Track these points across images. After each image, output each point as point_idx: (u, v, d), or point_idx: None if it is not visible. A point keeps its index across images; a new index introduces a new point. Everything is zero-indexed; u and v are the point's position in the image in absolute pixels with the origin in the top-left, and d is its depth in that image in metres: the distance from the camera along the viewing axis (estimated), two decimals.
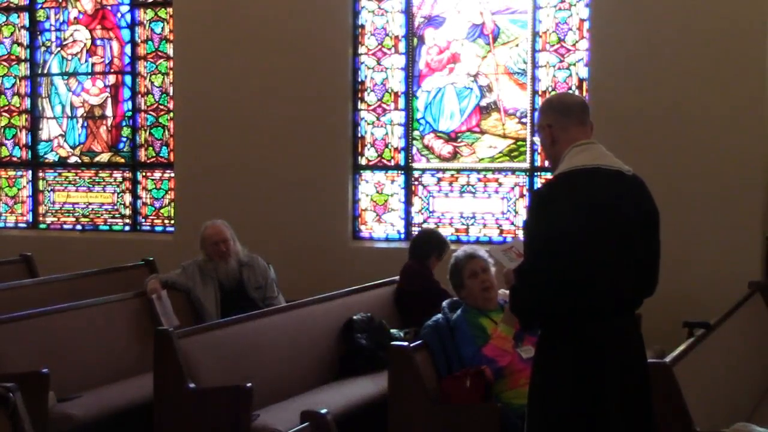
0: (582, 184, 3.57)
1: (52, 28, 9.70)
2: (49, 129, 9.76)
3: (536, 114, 4.40)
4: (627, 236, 3.58)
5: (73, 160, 9.68)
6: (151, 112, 9.35)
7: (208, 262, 6.76)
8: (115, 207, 9.53)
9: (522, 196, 8.13)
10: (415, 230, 8.38)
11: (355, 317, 6.23)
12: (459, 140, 8.32)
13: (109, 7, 9.49)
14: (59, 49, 9.66)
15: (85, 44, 9.57)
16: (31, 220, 9.82)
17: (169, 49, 9.18)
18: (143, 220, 9.43)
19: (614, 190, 3.60)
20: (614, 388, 3.54)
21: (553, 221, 3.52)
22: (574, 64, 7.92)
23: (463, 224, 8.30)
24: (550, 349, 3.62)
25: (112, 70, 9.50)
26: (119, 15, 9.46)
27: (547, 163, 7.83)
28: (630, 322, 3.68)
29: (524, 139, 8.11)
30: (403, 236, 8.44)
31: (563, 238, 3.48)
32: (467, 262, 5.22)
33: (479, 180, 8.25)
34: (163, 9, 9.25)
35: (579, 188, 3.57)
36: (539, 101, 7.93)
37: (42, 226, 9.77)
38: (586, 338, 3.53)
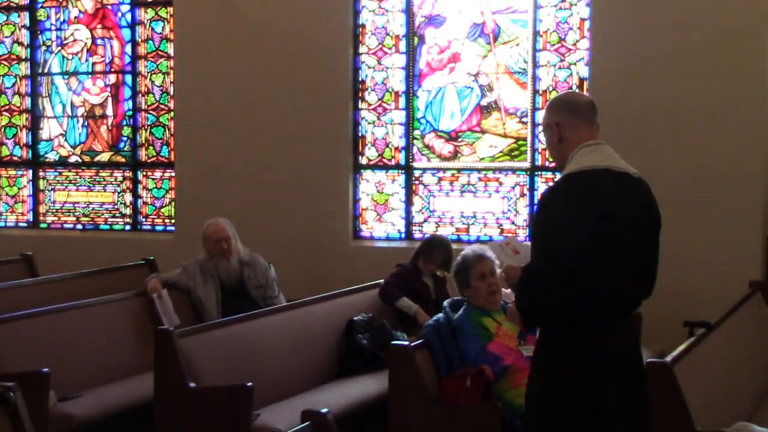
0: (592, 184, 3.56)
1: (53, 28, 9.70)
2: (49, 128, 9.76)
3: (543, 111, 4.37)
4: (634, 238, 3.58)
5: (73, 159, 9.68)
6: (151, 112, 9.35)
7: (210, 260, 6.76)
8: (116, 206, 9.53)
9: (523, 195, 8.13)
10: (416, 230, 8.40)
11: (355, 318, 6.23)
12: (459, 140, 8.32)
13: (109, 7, 9.49)
14: (60, 48, 9.67)
15: (85, 43, 9.57)
16: (31, 219, 9.82)
17: (170, 49, 9.18)
18: (144, 219, 9.43)
19: (622, 192, 3.60)
20: (614, 389, 3.54)
21: (562, 220, 3.51)
22: (575, 64, 7.92)
23: (463, 224, 8.30)
24: (550, 349, 3.62)
25: (112, 70, 9.50)
26: (120, 14, 9.46)
27: (548, 163, 7.85)
28: (629, 323, 3.69)
29: (525, 139, 8.11)
30: (403, 236, 8.44)
31: (571, 238, 3.47)
32: (476, 263, 5.20)
33: (480, 179, 8.25)
34: (163, 8, 9.25)
35: (588, 189, 3.56)
36: (540, 101, 7.94)
37: (42, 225, 9.77)
38: (587, 338, 3.53)
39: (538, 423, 3.64)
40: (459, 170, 8.30)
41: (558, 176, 3.76)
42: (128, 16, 9.41)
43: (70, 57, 9.64)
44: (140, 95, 9.36)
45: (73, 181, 9.68)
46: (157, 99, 9.31)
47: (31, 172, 9.83)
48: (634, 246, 3.58)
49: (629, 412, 3.58)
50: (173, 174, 9.16)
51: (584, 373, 3.52)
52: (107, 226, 9.54)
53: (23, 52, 9.78)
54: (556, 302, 3.52)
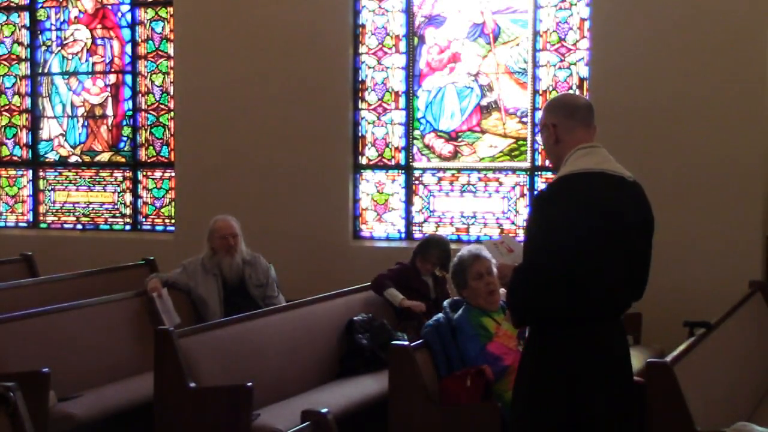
0: (586, 187, 3.57)
1: (53, 28, 9.70)
2: (49, 128, 9.76)
3: (540, 111, 4.38)
4: (627, 241, 3.58)
5: (73, 159, 9.68)
6: (151, 112, 9.35)
7: (212, 257, 6.74)
8: (116, 206, 9.53)
9: (522, 195, 8.13)
10: (416, 230, 8.40)
11: (355, 318, 6.23)
12: (459, 140, 8.32)
13: (109, 7, 9.49)
14: (60, 48, 9.67)
15: (85, 43, 9.57)
16: (31, 219, 9.82)
17: (170, 49, 9.18)
18: (144, 219, 9.43)
19: (617, 195, 3.60)
20: (604, 391, 3.54)
21: (555, 222, 3.51)
22: (575, 64, 7.92)
23: (463, 224, 8.31)
24: (540, 350, 3.62)
25: (112, 70, 9.50)
26: (120, 14, 9.46)
27: (548, 163, 7.84)
28: (619, 325, 3.69)
29: (525, 139, 8.11)
30: (403, 236, 8.44)
31: (565, 239, 3.48)
32: (473, 263, 5.19)
33: (480, 179, 8.25)
34: (163, 8, 9.25)
35: (582, 191, 3.56)
36: (540, 101, 7.94)
37: (42, 225, 9.77)
38: (578, 340, 3.53)
39: (527, 424, 3.64)
40: (459, 170, 8.31)
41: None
42: (128, 16, 9.41)
43: (70, 57, 9.64)
44: (140, 95, 9.36)
45: (73, 181, 9.68)
46: (157, 99, 9.32)
47: (31, 172, 9.83)
48: (627, 248, 3.58)
49: (619, 415, 3.58)
50: (173, 174, 9.16)
51: (574, 374, 3.52)
52: (107, 226, 9.54)
53: (23, 52, 9.78)
54: (547, 302, 3.52)
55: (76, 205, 9.68)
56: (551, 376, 3.55)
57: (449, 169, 8.34)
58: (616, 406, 3.58)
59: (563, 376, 3.52)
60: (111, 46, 9.49)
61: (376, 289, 6.71)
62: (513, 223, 8.18)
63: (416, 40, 8.40)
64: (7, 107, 9.85)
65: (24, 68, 9.78)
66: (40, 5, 9.71)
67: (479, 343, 4.98)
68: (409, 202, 8.46)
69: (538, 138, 7.86)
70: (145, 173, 9.43)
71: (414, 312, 6.47)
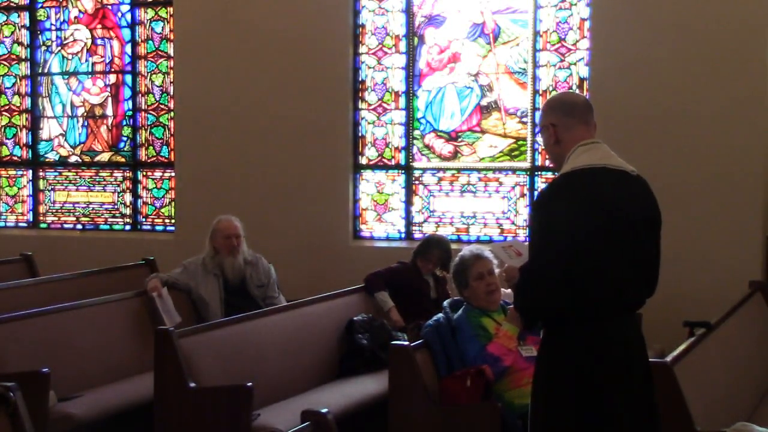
0: (587, 183, 3.55)
1: (53, 28, 9.70)
2: (49, 128, 9.76)
3: (539, 113, 4.37)
4: (632, 236, 3.55)
5: (73, 159, 9.68)
6: (151, 112, 9.35)
7: (214, 257, 6.74)
8: (116, 206, 9.53)
9: (523, 195, 8.13)
10: (416, 230, 8.40)
11: (355, 318, 6.23)
12: (459, 140, 8.32)
13: (109, 7, 9.49)
14: (60, 48, 9.67)
15: (85, 43, 9.57)
16: (31, 219, 9.82)
17: (170, 49, 9.18)
18: (144, 219, 9.43)
19: (620, 190, 3.58)
20: (617, 389, 3.53)
21: (558, 220, 3.49)
22: (575, 64, 7.92)
23: (463, 224, 8.31)
24: (552, 350, 3.61)
25: (112, 70, 9.50)
26: (120, 14, 9.46)
27: (548, 163, 7.84)
28: (633, 322, 3.66)
29: (525, 139, 8.11)
30: (403, 236, 8.44)
31: (568, 237, 3.46)
32: (474, 263, 5.19)
33: (480, 179, 8.25)
34: (163, 8, 9.25)
35: (584, 187, 3.54)
36: (540, 101, 7.94)
37: (42, 225, 9.77)
38: (588, 338, 3.52)
39: (542, 424, 3.63)
40: (459, 170, 8.31)
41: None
42: (128, 16, 9.41)
43: (70, 57, 9.64)
44: (140, 95, 9.36)
45: (73, 181, 9.68)
46: (157, 99, 9.32)
47: (31, 172, 9.83)
48: (632, 244, 3.55)
49: (635, 412, 3.56)
50: (173, 174, 9.16)
51: (585, 373, 3.50)
52: (107, 226, 9.54)
53: (23, 52, 9.78)
54: (551, 303, 3.51)
55: (76, 205, 9.68)
56: (564, 375, 3.53)
57: (449, 169, 8.34)
58: (632, 403, 3.55)
59: (575, 376, 3.50)
60: (111, 46, 9.49)
61: (369, 288, 6.71)
62: (513, 223, 8.17)
63: (416, 40, 8.40)
64: (7, 107, 9.85)
65: (24, 68, 9.78)
66: (40, 5, 9.71)
67: (479, 343, 4.97)
68: (409, 202, 8.46)
69: (539, 138, 7.87)
70: (145, 173, 9.43)
71: (394, 324, 6.49)
